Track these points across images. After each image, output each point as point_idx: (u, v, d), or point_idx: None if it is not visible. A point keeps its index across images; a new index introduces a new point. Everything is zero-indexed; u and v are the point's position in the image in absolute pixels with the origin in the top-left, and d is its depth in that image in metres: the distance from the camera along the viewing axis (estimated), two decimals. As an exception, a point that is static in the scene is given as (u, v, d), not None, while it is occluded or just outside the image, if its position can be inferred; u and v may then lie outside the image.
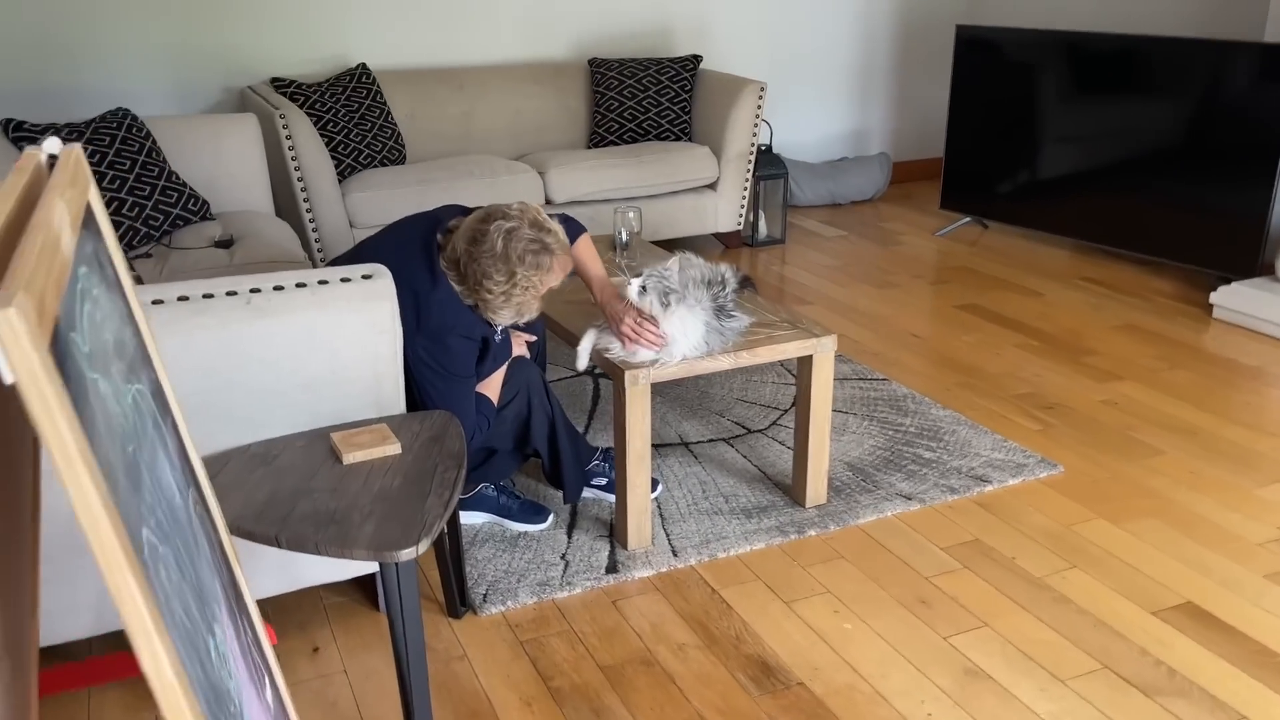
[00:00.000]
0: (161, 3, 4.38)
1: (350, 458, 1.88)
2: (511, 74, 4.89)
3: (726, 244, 5.03)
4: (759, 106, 4.71)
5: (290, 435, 1.98)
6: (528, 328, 2.48)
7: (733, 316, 2.57)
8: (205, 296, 1.86)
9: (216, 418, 1.92)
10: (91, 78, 4.35)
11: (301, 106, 4.25)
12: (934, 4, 5.94)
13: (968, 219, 5.25)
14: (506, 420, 2.40)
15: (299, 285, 1.93)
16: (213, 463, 1.87)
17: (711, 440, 3.05)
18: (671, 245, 4.96)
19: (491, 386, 2.35)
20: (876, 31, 5.86)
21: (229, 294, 1.88)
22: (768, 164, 4.96)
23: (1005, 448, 3.00)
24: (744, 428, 3.14)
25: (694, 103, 4.91)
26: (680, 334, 2.39)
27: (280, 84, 4.31)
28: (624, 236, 3.11)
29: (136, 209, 3.37)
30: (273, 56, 4.63)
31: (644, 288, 2.38)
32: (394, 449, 1.91)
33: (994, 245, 5.01)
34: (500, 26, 4.99)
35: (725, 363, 2.45)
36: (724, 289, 2.59)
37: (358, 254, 2.26)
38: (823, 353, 2.55)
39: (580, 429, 3.11)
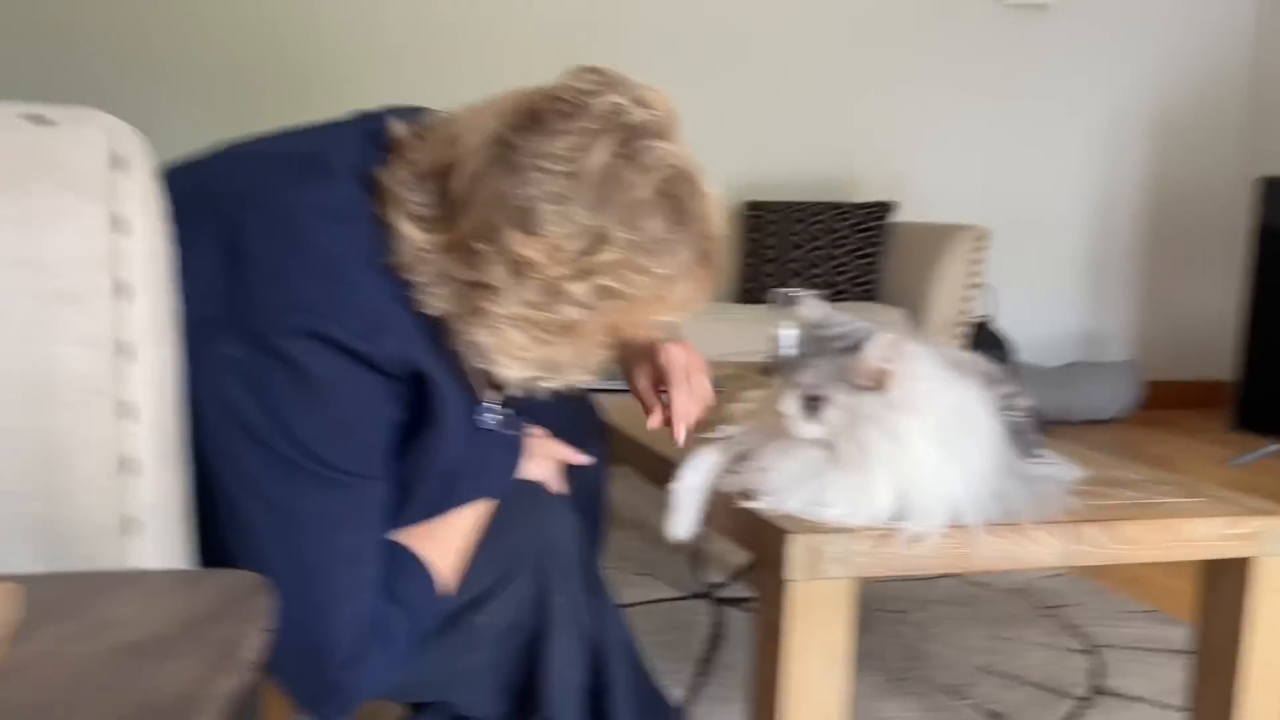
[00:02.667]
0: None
1: None
2: (643, 212, 3.75)
3: (921, 450, 3.57)
4: (977, 260, 3.39)
5: None
6: (576, 438, 1.08)
7: (1038, 456, 1.14)
8: None
9: None
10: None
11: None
12: (1207, 159, 4.51)
13: (1277, 445, 3.64)
14: (482, 645, 0.95)
15: None
16: None
17: (945, 747, 1.51)
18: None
19: (444, 537, 0.92)
20: (1118, 197, 4.47)
21: None
22: (985, 343, 3.56)
23: None
24: (1007, 726, 1.58)
25: (883, 255, 3.63)
26: (933, 445, 0.96)
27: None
28: (791, 342, 1.74)
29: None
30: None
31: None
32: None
33: (1327, 482, 3.38)
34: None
35: (1097, 553, 0.97)
36: (1015, 397, 1.18)
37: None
38: (1273, 552, 1.06)
39: (679, 688, 1.63)
